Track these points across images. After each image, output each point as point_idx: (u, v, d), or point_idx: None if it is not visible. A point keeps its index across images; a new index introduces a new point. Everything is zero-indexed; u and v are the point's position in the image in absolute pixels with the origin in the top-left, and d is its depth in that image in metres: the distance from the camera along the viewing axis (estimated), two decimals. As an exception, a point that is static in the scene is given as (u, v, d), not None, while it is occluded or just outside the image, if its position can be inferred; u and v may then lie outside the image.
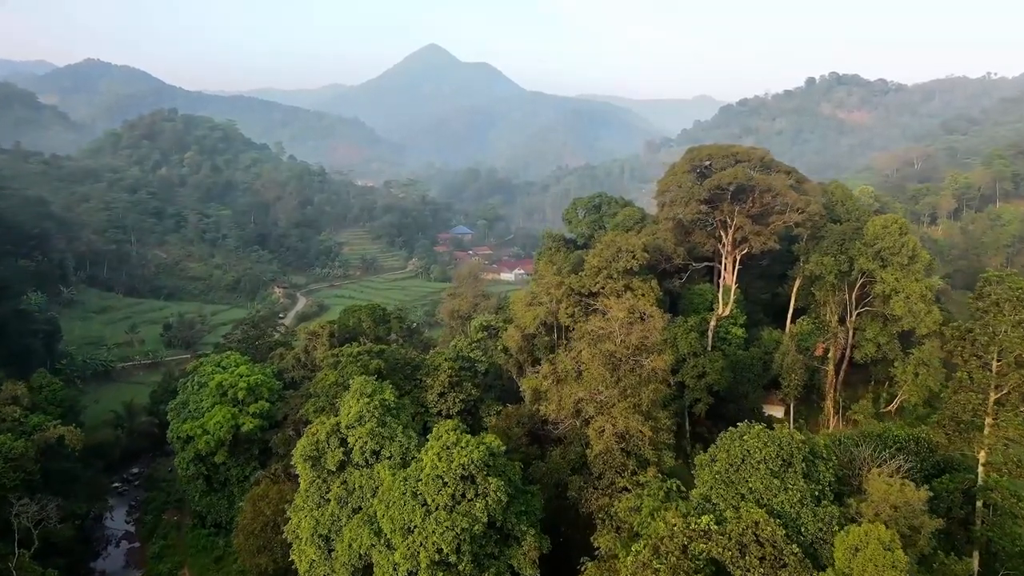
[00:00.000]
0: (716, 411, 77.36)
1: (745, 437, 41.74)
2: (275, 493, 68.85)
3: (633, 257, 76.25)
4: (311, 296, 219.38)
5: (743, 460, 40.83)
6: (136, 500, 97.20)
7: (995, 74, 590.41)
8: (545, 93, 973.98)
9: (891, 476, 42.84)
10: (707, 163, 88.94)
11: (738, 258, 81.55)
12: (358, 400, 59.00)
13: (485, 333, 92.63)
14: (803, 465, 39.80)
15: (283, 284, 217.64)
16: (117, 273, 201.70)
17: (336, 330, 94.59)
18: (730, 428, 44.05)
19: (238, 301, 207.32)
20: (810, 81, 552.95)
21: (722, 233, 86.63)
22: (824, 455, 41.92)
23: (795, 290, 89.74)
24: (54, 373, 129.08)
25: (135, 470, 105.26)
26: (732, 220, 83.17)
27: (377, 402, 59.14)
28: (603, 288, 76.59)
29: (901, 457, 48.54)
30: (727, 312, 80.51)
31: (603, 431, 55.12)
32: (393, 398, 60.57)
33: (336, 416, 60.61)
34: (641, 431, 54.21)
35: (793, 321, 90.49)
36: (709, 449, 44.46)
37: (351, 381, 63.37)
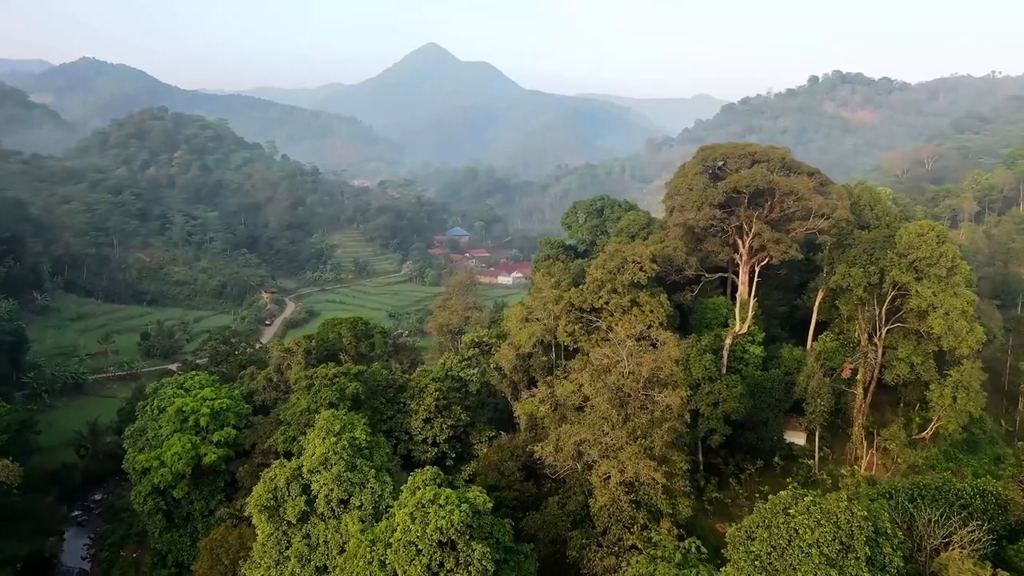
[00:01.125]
0: (733, 439, 69.32)
1: (791, 511, 33.41)
2: (235, 538, 60.73)
3: (640, 269, 68.14)
4: (300, 301, 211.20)
5: (789, 542, 32.54)
6: (96, 531, 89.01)
7: (999, 72, 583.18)
8: (544, 92, 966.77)
9: (965, 550, 34.60)
10: (721, 163, 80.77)
11: (757, 269, 73.26)
12: (324, 439, 50.87)
13: (477, 350, 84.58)
14: (866, 548, 31.52)
15: (271, 289, 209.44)
16: (97, 278, 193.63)
17: (314, 346, 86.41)
18: (771, 498, 35.57)
19: (224, 307, 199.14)
20: (813, 79, 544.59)
21: (738, 241, 78.55)
22: (889, 531, 33.58)
23: (817, 303, 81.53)
24: (18, 388, 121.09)
25: (97, 496, 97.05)
26: (749, 226, 75.09)
27: (346, 442, 50.98)
28: (607, 304, 68.42)
29: (967, 516, 40.28)
30: (744, 329, 72.27)
31: (608, 478, 47.00)
32: (365, 436, 52.38)
33: (300, 457, 52.50)
34: (653, 478, 46.06)
35: (815, 337, 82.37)
36: (744, 522, 36.09)
37: (319, 414, 55.26)
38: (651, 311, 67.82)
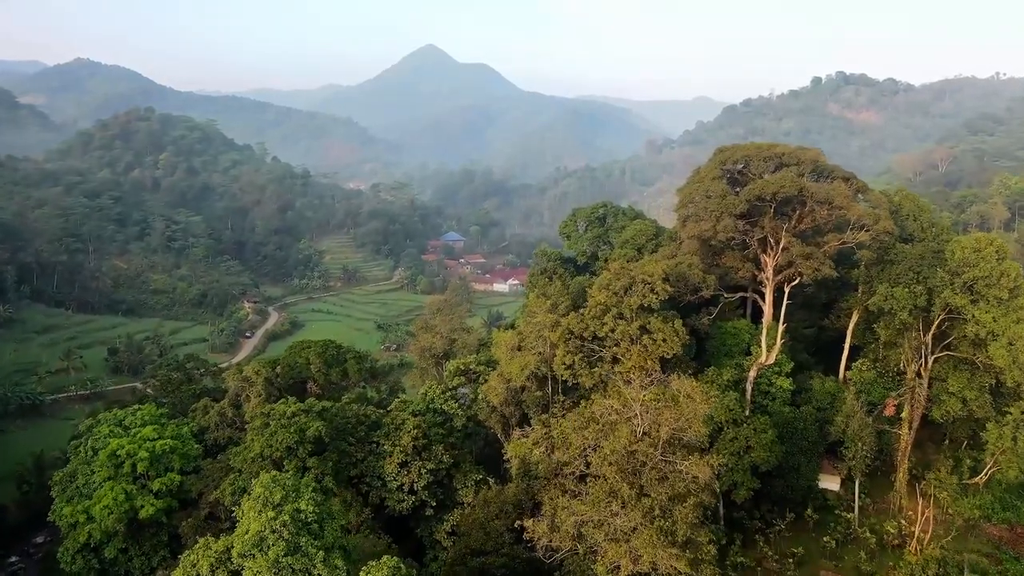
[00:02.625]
0: (759, 489, 59.08)
1: None
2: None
3: (651, 291, 57.99)
4: (285, 311, 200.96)
5: None
6: (33, 582, 78.62)
7: (1004, 74, 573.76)
8: (543, 94, 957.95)
9: None
10: (741, 166, 70.73)
11: (786, 290, 63.04)
12: (260, 513, 40.50)
13: (463, 378, 74.24)
14: None
15: (253, 298, 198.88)
16: (69, 287, 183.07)
17: (278, 374, 76.28)
18: None
19: (204, 317, 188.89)
20: (816, 81, 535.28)
21: (761, 256, 68.41)
22: None
23: (852, 327, 71.44)
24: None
25: (39, 539, 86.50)
26: (775, 239, 64.99)
27: (288, 516, 40.65)
28: (612, 331, 58.18)
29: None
30: (772, 360, 62.07)
31: (618, 568, 36.79)
32: (313, 507, 41.99)
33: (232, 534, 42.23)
34: (675, 568, 35.85)
35: (848, 365, 72.29)
36: None
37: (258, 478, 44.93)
38: (664, 340, 57.59)
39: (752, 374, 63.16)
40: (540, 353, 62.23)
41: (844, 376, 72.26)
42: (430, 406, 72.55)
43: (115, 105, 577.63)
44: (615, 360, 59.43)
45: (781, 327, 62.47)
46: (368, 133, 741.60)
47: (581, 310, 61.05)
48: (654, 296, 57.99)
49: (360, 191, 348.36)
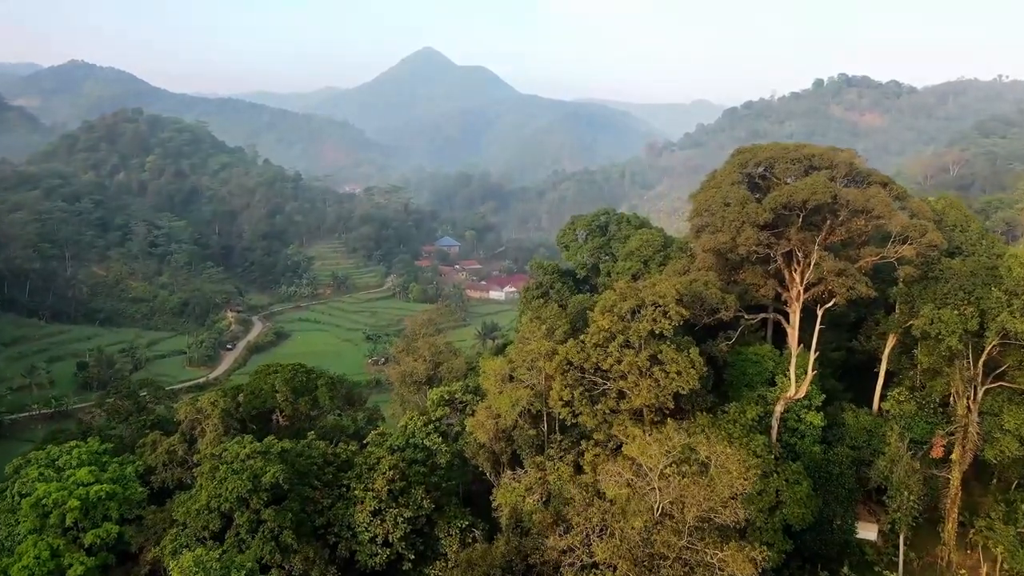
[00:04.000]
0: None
1: None
2: None
3: (664, 314, 49.65)
4: (270, 321, 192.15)
5: None
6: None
7: (1007, 76, 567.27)
8: (541, 96, 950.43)
9: None
10: (762, 169, 62.36)
11: (819, 313, 54.59)
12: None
13: (448, 408, 65.75)
14: None
15: (237, 307, 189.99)
16: (43, 295, 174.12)
17: (241, 403, 67.73)
18: None
19: (184, 327, 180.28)
20: (818, 83, 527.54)
21: (786, 272, 60.06)
22: None
23: (887, 351, 63.04)
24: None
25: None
26: (804, 253, 56.66)
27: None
28: (618, 362, 49.74)
29: None
30: (802, 393, 53.69)
31: None
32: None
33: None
34: None
35: (883, 395, 63.88)
36: None
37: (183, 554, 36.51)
38: (678, 372, 49.16)
39: (779, 410, 54.83)
40: (533, 386, 53.79)
41: (878, 407, 63.89)
42: (410, 440, 64.19)
43: (108, 107, 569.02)
44: (621, 395, 51.05)
45: (813, 355, 54.07)
46: (364, 136, 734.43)
47: (581, 336, 52.58)
48: (667, 321, 49.63)
49: (353, 194, 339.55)
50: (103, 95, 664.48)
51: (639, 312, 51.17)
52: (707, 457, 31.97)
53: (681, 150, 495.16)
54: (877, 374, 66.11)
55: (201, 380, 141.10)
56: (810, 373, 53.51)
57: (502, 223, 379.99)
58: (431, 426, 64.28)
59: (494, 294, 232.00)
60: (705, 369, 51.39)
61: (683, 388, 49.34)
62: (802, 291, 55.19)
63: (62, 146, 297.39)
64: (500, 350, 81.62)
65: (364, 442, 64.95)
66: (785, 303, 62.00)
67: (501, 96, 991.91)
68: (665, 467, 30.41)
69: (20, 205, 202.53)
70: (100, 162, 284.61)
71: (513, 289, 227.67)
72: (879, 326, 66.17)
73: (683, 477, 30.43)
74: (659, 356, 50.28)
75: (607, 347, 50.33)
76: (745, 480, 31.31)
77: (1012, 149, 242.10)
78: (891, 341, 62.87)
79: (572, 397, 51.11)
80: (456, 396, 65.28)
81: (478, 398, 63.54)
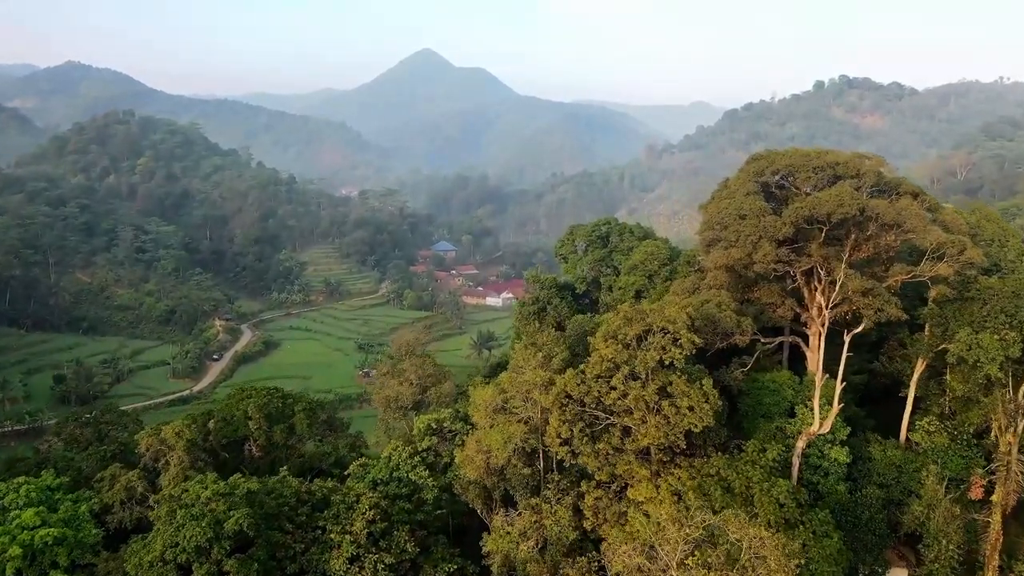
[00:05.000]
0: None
1: None
2: None
3: (674, 342, 44.24)
4: (260, 329, 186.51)
5: None
6: None
7: (1008, 78, 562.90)
8: (540, 98, 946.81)
9: None
10: (779, 177, 57.00)
11: (847, 339, 49.14)
12: None
13: (435, 438, 60.19)
14: None
15: (225, 315, 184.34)
16: (24, 303, 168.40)
17: (209, 431, 62.17)
18: None
19: (171, 335, 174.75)
20: (819, 85, 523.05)
21: (805, 291, 54.86)
22: None
23: (916, 376, 57.57)
24: None
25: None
26: (827, 271, 51.42)
27: None
28: (623, 396, 44.31)
29: None
30: (826, 428, 48.27)
31: None
32: None
33: None
34: None
35: (911, 425, 58.40)
36: None
37: None
38: (690, 408, 43.75)
39: (800, 445, 49.33)
40: (528, 420, 48.33)
41: (905, 437, 58.48)
42: (394, 474, 58.68)
43: (104, 108, 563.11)
44: (626, 431, 45.65)
45: (839, 385, 48.63)
46: (362, 138, 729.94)
47: (581, 366, 47.13)
48: (677, 350, 44.20)
49: (349, 198, 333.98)
50: (99, 96, 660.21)
51: (646, 339, 45.76)
52: (737, 539, 26.50)
53: (681, 152, 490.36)
54: (901, 399, 60.77)
55: (184, 393, 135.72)
56: (836, 406, 48.06)
57: (500, 226, 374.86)
58: (417, 458, 58.66)
59: (491, 300, 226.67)
60: (721, 403, 45.95)
61: (695, 426, 43.95)
62: (827, 314, 49.72)
63: (51, 148, 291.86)
64: (493, 372, 76.26)
65: (345, 473, 59.60)
66: (804, 324, 56.77)
67: (500, 97, 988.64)
68: (685, 556, 24.97)
69: (2, 209, 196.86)
70: (90, 165, 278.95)
71: (510, 295, 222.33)
72: (904, 347, 60.82)
73: (708, 570, 25.01)
74: (668, 389, 44.88)
75: (610, 379, 44.92)
76: (787, 574, 25.87)
77: (1021, 152, 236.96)
78: (920, 365, 57.39)
79: (571, 434, 45.66)
80: (444, 424, 59.75)
81: (468, 426, 58.09)
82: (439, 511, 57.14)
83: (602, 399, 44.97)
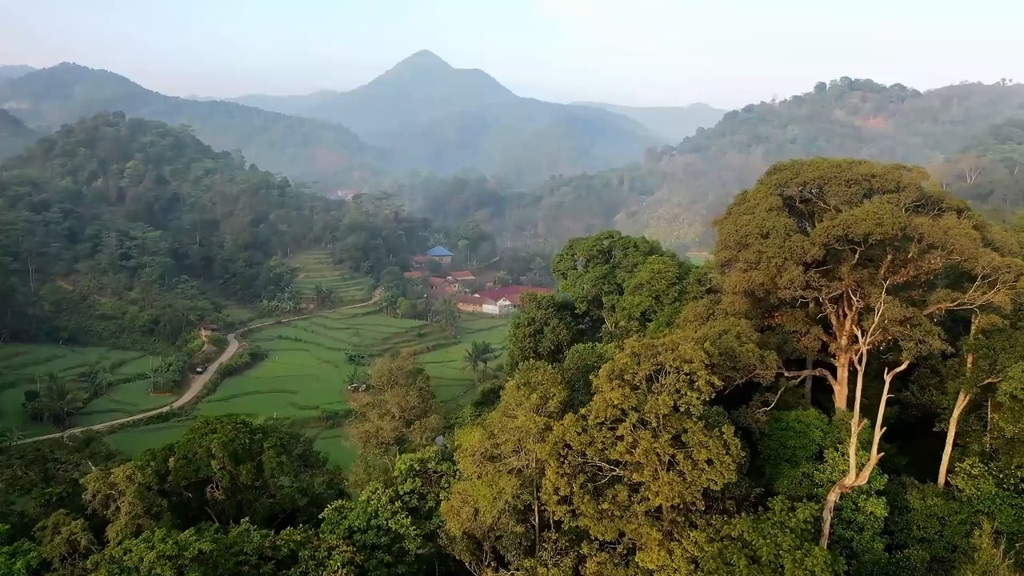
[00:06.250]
0: None
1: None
2: None
3: (690, 385, 38.07)
4: (248, 339, 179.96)
5: None
6: None
7: (1010, 80, 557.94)
8: (539, 100, 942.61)
9: None
10: (802, 190, 50.84)
11: (887, 379, 42.90)
12: None
13: (419, 480, 53.88)
14: None
15: (211, 325, 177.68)
16: (0, 313, 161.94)
17: (167, 472, 55.87)
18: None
19: (155, 346, 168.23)
20: (820, 86, 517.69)
21: (833, 318, 48.83)
22: None
23: (957, 413, 51.34)
24: None
25: None
26: (861, 297, 45.37)
27: None
28: (631, 448, 38.07)
29: None
30: (864, 480, 42.05)
31: None
32: None
33: None
34: None
35: (951, 467, 52.19)
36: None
37: None
38: (708, 462, 37.52)
39: (832, 499, 43.00)
40: (521, 471, 42.08)
41: (945, 480, 52.30)
42: (372, 521, 52.40)
43: (98, 110, 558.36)
44: (634, 488, 39.39)
45: (878, 432, 42.40)
46: (359, 140, 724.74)
47: (583, 410, 40.84)
48: (694, 394, 38.03)
49: (343, 201, 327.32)
50: (94, 98, 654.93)
51: (658, 378, 39.56)
52: None
53: (681, 155, 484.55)
54: (935, 433, 54.64)
55: (164, 409, 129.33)
56: (875, 455, 41.83)
57: (497, 230, 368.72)
58: (398, 503, 52.37)
59: (487, 308, 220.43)
60: (744, 455, 39.73)
61: (715, 482, 37.72)
62: (864, 347, 43.48)
63: (38, 151, 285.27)
64: (485, 398, 69.96)
65: (320, 518, 53.30)
66: (831, 355, 50.60)
67: (498, 99, 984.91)
68: None
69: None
70: (77, 168, 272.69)
71: (508, 303, 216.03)
72: (938, 376, 54.64)
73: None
74: (683, 438, 38.64)
75: (616, 427, 38.66)
76: None
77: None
78: (962, 401, 51.08)
79: (571, 492, 39.38)
80: (430, 466, 53.44)
81: (456, 467, 51.83)
82: (422, 565, 51.02)
83: (607, 452, 38.70)
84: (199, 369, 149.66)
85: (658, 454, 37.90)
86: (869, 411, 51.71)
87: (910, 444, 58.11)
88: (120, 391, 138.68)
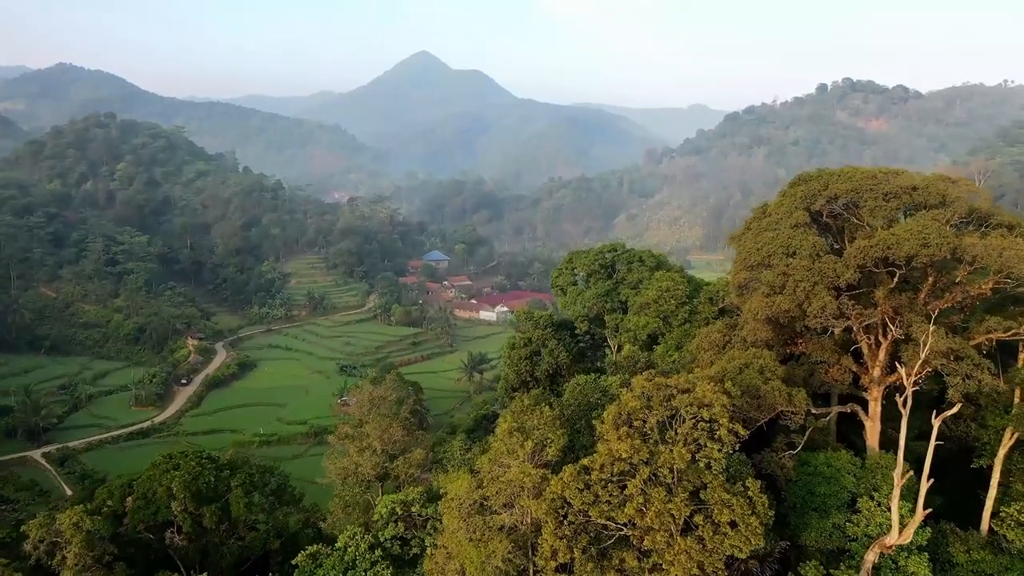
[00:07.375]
0: None
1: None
2: None
3: (710, 435, 32.67)
4: (236, 347, 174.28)
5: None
6: None
7: (1012, 81, 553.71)
8: (537, 101, 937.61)
9: None
10: (832, 204, 45.40)
11: (935, 424, 37.45)
12: None
13: (402, 525, 48.39)
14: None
15: (197, 333, 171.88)
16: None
17: (123, 515, 50.40)
18: None
19: (140, 355, 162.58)
20: (821, 88, 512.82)
21: (865, 347, 43.52)
22: None
23: (1002, 453, 45.94)
24: None
25: None
26: (899, 326, 39.95)
27: None
28: (641, 509, 32.63)
29: None
30: (907, 539, 36.67)
31: None
32: None
33: None
34: None
35: (995, 511, 46.78)
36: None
37: None
38: (732, 524, 32.10)
39: (870, 559, 37.67)
40: (513, 529, 36.60)
41: (989, 526, 46.93)
42: (349, 573, 46.94)
43: (94, 111, 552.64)
44: (644, 553, 33.92)
45: (924, 485, 36.97)
46: (356, 141, 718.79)
47: (585, 460, 35.36)
48: (715, 446, 32.60)
49: (337, 204, 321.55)
50: (89, 99, 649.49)
51: (672, 425, 34.13)
52: None
53: (681, 156, 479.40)
54: (972, 471, 49.26)
55: (146, 424, 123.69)
56: (920, 513, 36.45)
57: (495, 233, 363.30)
58: (378, 552, 46.95)
59: (485, 315, 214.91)
60: (771, 514, 34.23)
61: (740, 549, 32.29)
62: (911, 388, 37.98)
63: (26, 153, 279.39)
64: (478, 424, 64.50)
65: (293, 564, 47.82)
66: (865, 390, 45.15)
67: (497, 100, 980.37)
68: None
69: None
70: (67, 170, 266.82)
71: (505, 308, 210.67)
72: (975, 405, 49.24)
73: None
74: (702, 494, 33.22)
75: (624, 484, 33.21)
76: None
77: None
78: (1009, 439, 45.83)
79: (571, 555, 33.90)
80: (413, 508, 47.93)
81: (439, 514, 46.33)
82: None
83: (613, 513, 33.23)
84: (184, 380, 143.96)
85: (673, 516, 32.44)
86: (892, 445, 46.40)
87: (942, 481, 52.70)
88: (100, 404, 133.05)
